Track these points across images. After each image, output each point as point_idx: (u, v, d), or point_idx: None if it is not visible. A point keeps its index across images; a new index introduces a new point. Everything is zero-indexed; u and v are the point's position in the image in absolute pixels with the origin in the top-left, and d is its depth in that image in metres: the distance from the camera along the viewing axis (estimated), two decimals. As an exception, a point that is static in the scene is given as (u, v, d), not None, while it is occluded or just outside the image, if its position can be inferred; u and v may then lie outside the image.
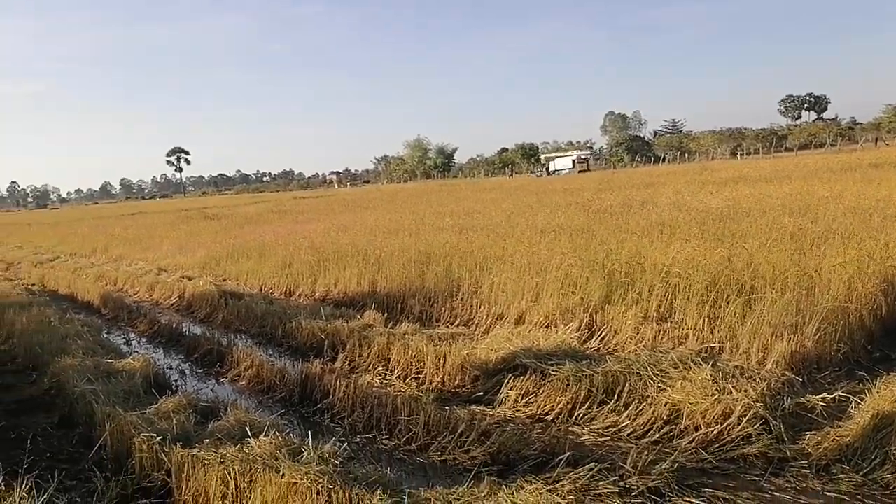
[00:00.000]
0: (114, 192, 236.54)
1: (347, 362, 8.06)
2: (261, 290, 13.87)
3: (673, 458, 4.59)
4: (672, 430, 5.19)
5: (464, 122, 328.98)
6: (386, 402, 6.02)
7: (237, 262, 16.36)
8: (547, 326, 8.32)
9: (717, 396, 5.13)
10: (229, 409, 5.79)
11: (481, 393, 6.47)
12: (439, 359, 7.16)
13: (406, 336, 8.25)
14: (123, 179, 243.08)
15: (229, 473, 4.51)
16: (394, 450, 5.60)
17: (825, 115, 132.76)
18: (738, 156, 78.04)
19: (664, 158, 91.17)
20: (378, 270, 12.07)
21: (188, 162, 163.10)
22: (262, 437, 4.94)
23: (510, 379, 6.32)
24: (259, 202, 58.72)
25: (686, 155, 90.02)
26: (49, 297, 14.73)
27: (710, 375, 5.39)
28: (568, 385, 5.92)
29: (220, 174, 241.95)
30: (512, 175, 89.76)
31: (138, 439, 5.18)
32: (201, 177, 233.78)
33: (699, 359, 5.79)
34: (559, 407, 5.86)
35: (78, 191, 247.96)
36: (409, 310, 10.22)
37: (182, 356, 9.41)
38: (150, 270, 16.65)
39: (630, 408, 5.51)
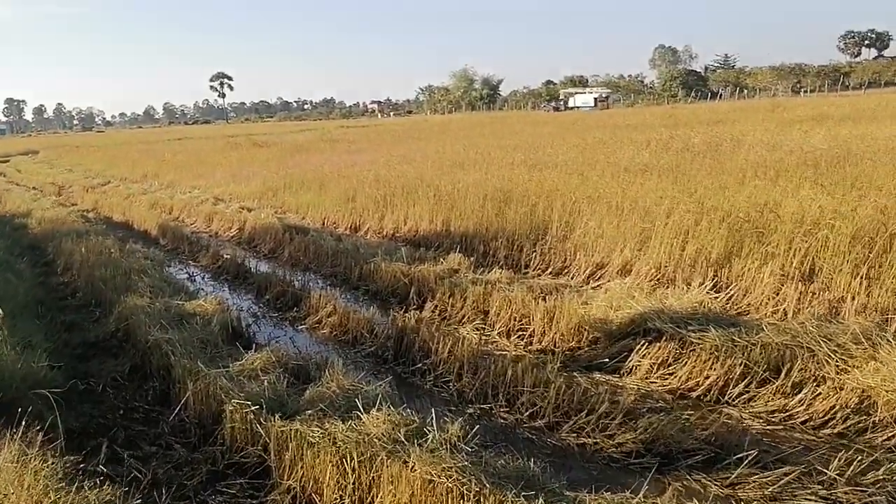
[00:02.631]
0: (157, 117, 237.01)
1: (438, 312, 7.30)
2: (323, 224, 13.17)
3: (891, 465, 3.72)
4: (862, 422, 4.31)
5: (507, 54, 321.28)
6: (504, 368, 5.22)
7: (295, 193, 15.63)
8: (658, 280, 7.45)
9: (924, 384, 4.23)
10: (326, 371, 5.03)
11: (605, 359, 5.63)
12: (550, 315, 6.34)
13: (499, 285, 7.44)
14: (166, 104, 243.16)
15: (346, 460, 3.78)
16: (516, 426, 4.83)
17: (886, 52, 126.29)
18: (802, 93, 74.51)
19: (720, 94, 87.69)
20: (451, 208, 11.21)
21: (231, 87, 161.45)
22: (374, 412, 4.19)
23: (643, 345, 5.48)
24: (305, 130, 57.88)
25: (744, 91, 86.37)
26: (105, 225, 14.18)
27: (909, 356, 4.47)
28: (716, 357, 5.06)
29: (262, 101, 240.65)
30: (564, 108, 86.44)
31: (230, 407, 4.47)
32: (243, 103, 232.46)
33: (887, 334, 4.85)
34: (707, 383, 5.01)
35: (122, 114, 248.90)
36: (493, 254, 9.38)
37: (252, 297, 8.74)
38: (206, 199, 16.01)
39: (803, 390, 4.64)
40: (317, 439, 3.99)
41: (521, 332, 6.53)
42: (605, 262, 8.24)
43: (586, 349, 5.96)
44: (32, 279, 9.51)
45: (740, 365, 4.93)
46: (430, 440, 3.86)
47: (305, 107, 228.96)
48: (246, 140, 38.62)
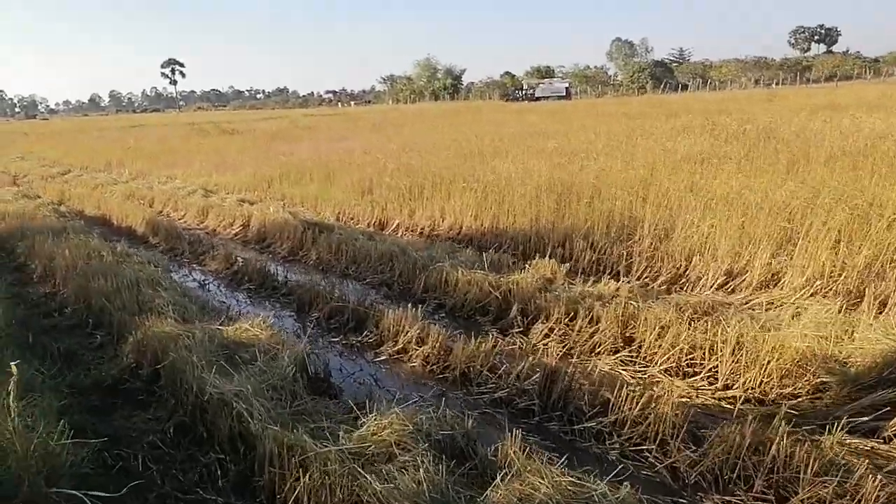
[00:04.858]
0: (103, 105, 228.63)
1: (555, 339, 5.66)
2: (338, 219, 11.42)
3: None
4: None
5: (469, 45, 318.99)
6: (746, 437, 3.60)
7: (295, 184, 13.87)
8: (825, 294, 5.92)
9: None
10: (493, 449, 3.37)
11: (862, 417, 4.05)
12: (739, 348, 4.76)
13: (620, 299, 5.83)
14: (113, 91, 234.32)
15: None
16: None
17: (835, 47, 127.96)
18: (774, 85, 74.37)
19: (688, 86, 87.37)
20: (500, 202, 9.58)
21: (183, 74, 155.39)
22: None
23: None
24: (269, 118, 55.54)
25: (714, 83, 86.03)
26: (80, 220, 12.17)
27: None
28: None
29: (213, 90, 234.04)
30: (533, 98, 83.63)
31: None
32: (193, 91, 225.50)
33: None
34: None
35: (66, 102, 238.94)
36: (574, 258, 7.78)
37: (292, 314, 6.97)
38: (194, 191, 14.06)
39: None
40: None
41: (687, 369, 4.95)
42: (735, 270, 6.71)
43: (807, 398, 4.38)
44: (4, 290, 7.59)
45: None
46: None
47: (258, 96, 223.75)
48: (212, 127, 36.47)
